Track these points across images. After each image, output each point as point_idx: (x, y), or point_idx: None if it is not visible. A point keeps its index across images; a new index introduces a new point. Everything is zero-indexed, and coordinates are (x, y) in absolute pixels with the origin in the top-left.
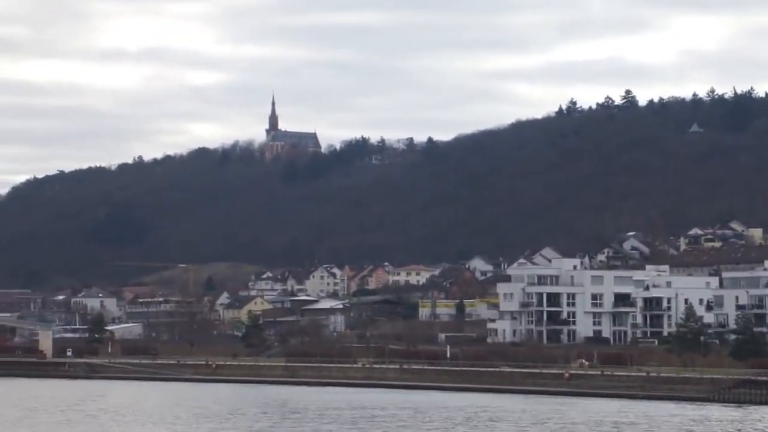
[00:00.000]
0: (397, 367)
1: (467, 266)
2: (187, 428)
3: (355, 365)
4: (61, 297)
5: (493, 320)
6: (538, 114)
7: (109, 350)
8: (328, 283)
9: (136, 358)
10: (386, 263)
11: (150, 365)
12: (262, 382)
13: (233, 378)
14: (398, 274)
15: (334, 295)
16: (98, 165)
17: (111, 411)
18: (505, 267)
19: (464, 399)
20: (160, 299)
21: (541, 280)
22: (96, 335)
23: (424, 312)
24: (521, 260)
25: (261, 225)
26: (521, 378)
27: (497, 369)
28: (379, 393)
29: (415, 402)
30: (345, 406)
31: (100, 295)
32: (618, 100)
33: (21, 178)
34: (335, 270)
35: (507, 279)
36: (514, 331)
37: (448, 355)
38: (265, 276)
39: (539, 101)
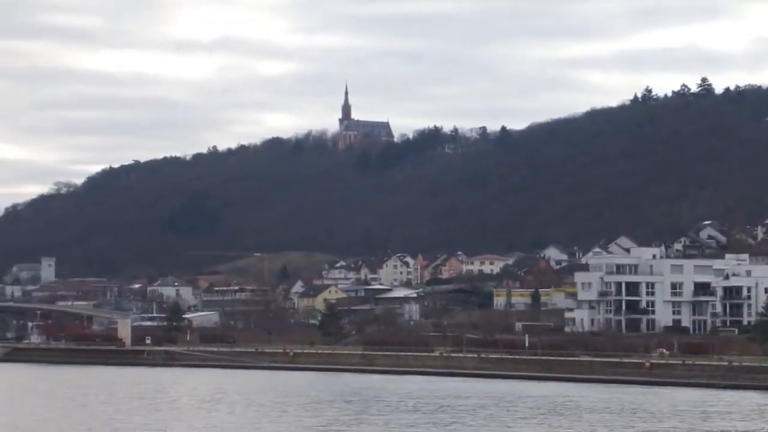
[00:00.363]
0: (475, 356)
1: (542, 255)
2: (274, 416)
3: (432, 354)
4: (136, 286)
5: (570, 309)
6: (613, 102)
7: (188, 338)
8: (401, 272)
9: (215, 346)
10: (459, 252)
11: (228, 353)
12: (340, 370)
13: (311, 366)
14: (471, 263)
15: (407, 284)
16: (173, 155)
17: (196, 398)
18: (580, 256)
19: (544, 388)
20: (235, 288)
21: (620, 269)
22: (174, 323)
23: (498, 301)
24: (596, 249)
25: (334, 214)
26: (601, 367)
27: (576, 358)
28: (457, 382)
29: (496, 391)
30: (427, 395)
31: (176, 283)
32: (694, 88)
33: (96, 168)
34: (408, 259)
35: (583, 268)
36: (592, 321)
37: (527, 345)
38: (338, 265)
39: (613, 89)
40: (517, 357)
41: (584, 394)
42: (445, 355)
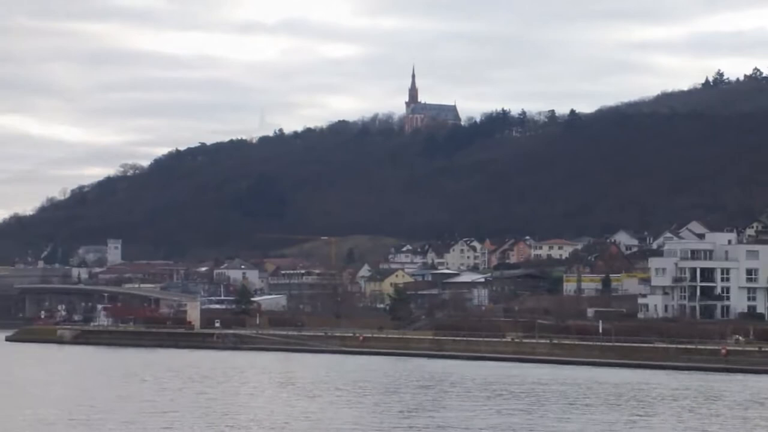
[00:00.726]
0: (547, 341)
1: (612, 240)
2: (353, 400)
3: (503, 339)
4: (203, 268)
5: (644, 295)
6: (684, 86)
7: (257, 322)
8: (468, 257)
9: (283, 329)
10: (527, 237)
11: (297, 337)
12: (410, 354)
13: (381, 350)
14: (540, 248)
15: (474, 269)
16: (239, 138)
17: (275, 382)
18: (651, 241)
19: (620, 375)
20: (302, 271)
21: (695, 254)
22: (243, 306)
23: (568, 287)
24: (667, 234)
25: (400, 198)
26: (676, 354)
27: (651, 345)
28: (530, 368)
29: (573, 378)
30: (504, 381)
31: (242, 266)
32: (766, 72)
33: (163, 151)
34: (475, 243)
35: (654, 253)
36: (666, 307)
37: (600, 330)
38: (404, 249)
39: (684, 73)
40: (590, 343)
41: (661, 381)
42: (516, 340)
